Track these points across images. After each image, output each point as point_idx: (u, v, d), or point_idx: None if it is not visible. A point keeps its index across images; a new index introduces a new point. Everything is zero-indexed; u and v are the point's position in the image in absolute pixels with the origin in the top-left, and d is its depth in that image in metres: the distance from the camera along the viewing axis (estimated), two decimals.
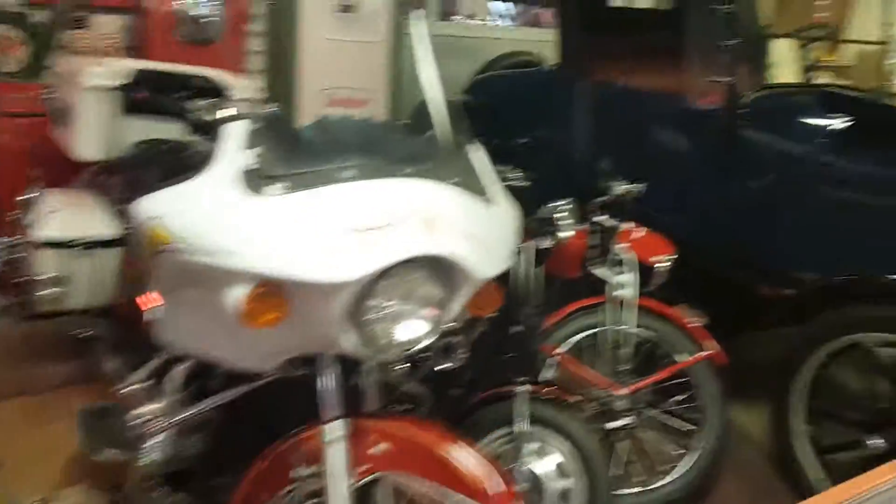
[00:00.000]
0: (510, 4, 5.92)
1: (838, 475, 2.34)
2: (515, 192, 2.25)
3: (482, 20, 6.00)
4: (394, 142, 1.58)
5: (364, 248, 1.30)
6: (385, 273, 1.33)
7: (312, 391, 1.50)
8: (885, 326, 2.17)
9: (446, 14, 5.62)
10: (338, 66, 3.18)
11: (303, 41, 3.14)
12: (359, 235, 1.30)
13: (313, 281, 1.28)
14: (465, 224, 1.43)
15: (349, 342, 1.39)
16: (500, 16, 6.09)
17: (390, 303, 1.38)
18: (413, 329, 1.42)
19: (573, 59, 3.42)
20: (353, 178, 1.37)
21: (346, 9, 3.15)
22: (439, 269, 1.40)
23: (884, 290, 2.23)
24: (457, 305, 1.48)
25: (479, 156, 1.80)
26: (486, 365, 2.09)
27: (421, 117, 1.62)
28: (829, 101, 2.77)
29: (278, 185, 1.34)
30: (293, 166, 1.38)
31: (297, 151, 1.46)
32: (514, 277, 2.19)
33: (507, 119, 3.75)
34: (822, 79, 5.85)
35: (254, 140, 1.39)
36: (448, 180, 1.50)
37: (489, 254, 1.51)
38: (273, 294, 1.33)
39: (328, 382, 1.49)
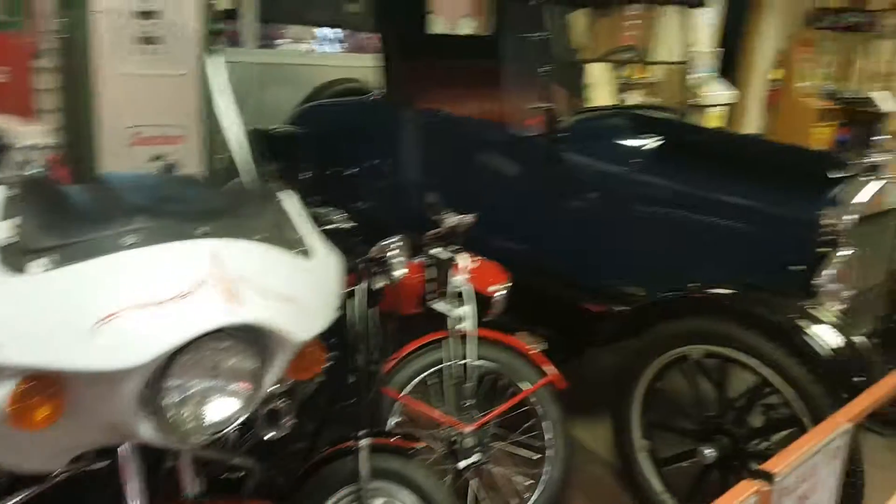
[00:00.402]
0: (338, 30, 5.83)
1: (676, 487, 2.41)
2: (341, 235, 2.16)
3: (308, 46, 5.88)
4: (188, 197, 1.42)
5: (153, 326, 1.13)
6: (182, 349, 1.17)
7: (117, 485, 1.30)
8: (709, 338, 2.26)
9: (271, 39, 5.44)
10: (143, 103, 2.92)
11: (100, 76, 2.86)
12: (145, 311, 1.14)
13: (91, 370, 1.10)
14: (275, 284, 1.30)
15: (148, 431, 1.21)
16: (329, 41, 5.99)
17: (193, 381, 1.22)
18: (223, 407, 1.26)
19: (397, 87, 3.38)
20: (136, 244, 1.20)
21: (148, 41, 2.91)
22: (249, 337, 1.26)
23: (705, 304, 2.32)
24: (274, 374, 1.34)
25: (291, 204, 1.67)
26: (323, 421, 1.96)
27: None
28: (640, 123, 2.90)
29: (43, 260, 1.15)
30: (62, 236, 1.19)
31: (67, 217, 1.26)
32: (347, 324, 2.08)
33: (333, 150, 3.64)
34: (635, 97, 6.27)
35: (11, 209, 1.18)
36: (253, 236, 1.36)
37: (306, 313, 1.39)
38: (46, 388, 1.13)
39: (131, 475, 1.30)
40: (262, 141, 3.75)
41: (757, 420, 2.33)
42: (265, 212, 1.53)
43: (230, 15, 4.66)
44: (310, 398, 1.81)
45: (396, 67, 3.34)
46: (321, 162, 3.60)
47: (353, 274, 2.14)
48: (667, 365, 2.41)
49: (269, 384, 1.34)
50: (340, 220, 2.18)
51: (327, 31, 5.90)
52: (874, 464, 2.96)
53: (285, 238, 1.48)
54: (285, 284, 1.35)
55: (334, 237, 2.14)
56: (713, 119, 7.60)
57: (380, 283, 2.22)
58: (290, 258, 1.45)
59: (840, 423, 1.38)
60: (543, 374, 2.35)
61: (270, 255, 1.37)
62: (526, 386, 2.33)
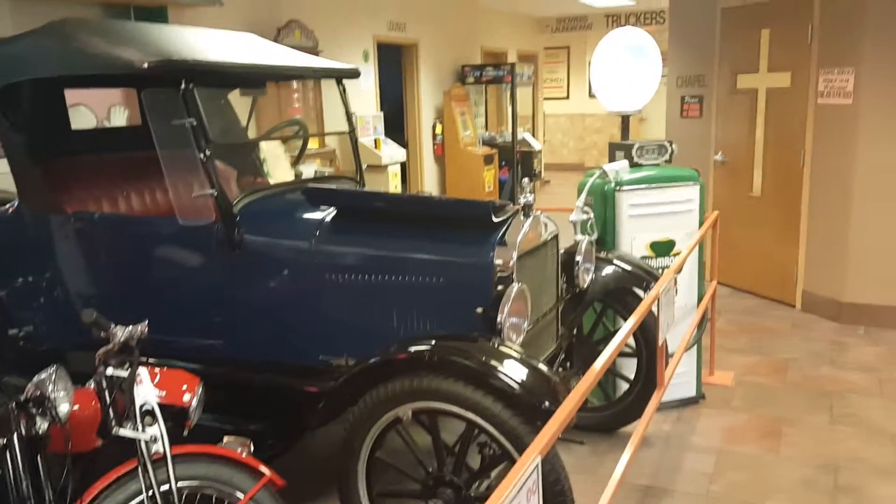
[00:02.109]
0: None
1: None
2: None
3: None
4: None
5: None
6: None
7: None
8: (415, 395, 2.30)
9: None
10: None
11: None
12: None
13: None
14: None
15: None
16: None
17: None
18: None
19: (35, 193, 2.97)
20: None
21: None
22: None
23: (405, 363, 2.36)
24: None
25: None
26: None
27: None
28: (316, 195, 2.91)
29: None
30: None
31: None
32: (7, 485, 1.73)
33: None
34: (311, 167, 6.39)
35: None
36: None
37: None
38: None
39: None
40: None
41: (475, 462, 2.42)
42: None
43: None
44: None
45: (28, 171, 2.95)
46: None
47: (3, 424, 1.80)
48: (383, 431, 2.42)
49: None
50: None
51: None
52: (582, 471, 3.28)
53: None
54: None
55: None
56: (391, 177, 8.05)
57: (43, 426, 1.90)
58: None
59: (531, 457, 1.46)
60: (259, 476, 2.19)
61: None
62: (240, 496, 2.14)
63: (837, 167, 5.16)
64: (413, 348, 2.36)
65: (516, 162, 10.59)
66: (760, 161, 5.86)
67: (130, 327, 2.11)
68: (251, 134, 4.19)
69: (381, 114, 8.44)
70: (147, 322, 2.11)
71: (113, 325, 2.08)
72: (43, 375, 1.92)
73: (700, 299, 3.91)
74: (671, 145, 3.93)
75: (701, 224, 3.84)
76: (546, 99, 14.24)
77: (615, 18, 12.37)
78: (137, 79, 2.93)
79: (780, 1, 5.50)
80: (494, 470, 2.40)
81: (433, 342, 2.38)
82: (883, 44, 4.81)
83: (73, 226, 2.92)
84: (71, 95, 3.60)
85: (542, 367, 2.31)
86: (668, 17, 7.01)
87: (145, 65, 2.50)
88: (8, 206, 3.05)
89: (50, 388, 1.90)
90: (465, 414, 2.24)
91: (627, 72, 4.19)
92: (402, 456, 2.52)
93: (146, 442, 2.08)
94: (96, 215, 3.02)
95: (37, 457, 1.88)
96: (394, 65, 9.38)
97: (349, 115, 3.57)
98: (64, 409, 1.91)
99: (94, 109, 5.09)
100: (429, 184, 9.78)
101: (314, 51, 6.98)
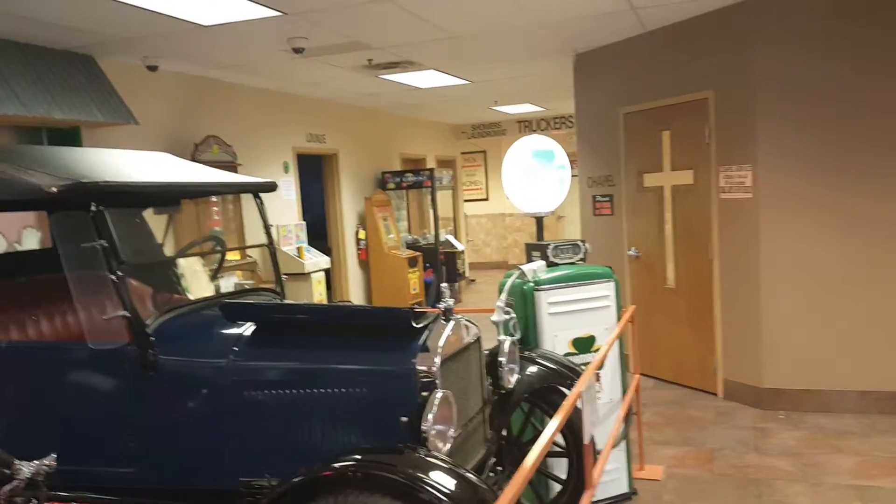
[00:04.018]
0: None
1: None
2: None
3: None
4: None
5: None
6: None
7: None
8: None
9: None
10: None
11: None
12: None
13: None
14: None
15: None
16: None
17: None
18: None
19: None
20: None
21: None
22: None
23: (329, 480, 2.29)
24: None
25: None
26: None
27: None
28: (234, 309, 2.87)
29: None
30: None
31: None
32: None
33: None
34: (231, 280, 6.32)
35: None
36: None
37: None
38: None
39: None
40: None
41: None
42: None
43: None
44: None
45: None
46: None
47: None
48: None
49: None
50: None
51: None
52: None
53: None
54: None
55: None
56: (315, 285, 8.01)
57: None
58: None
59: None
60: None
61: None
62: None
63: (744, 257, 5.46)
64: (337, 464, 2.30)
65: (440, 263, 10.74)
66: (672, 254, 6.15)
67: (37, 462, 1.99)
68: (169, 249, 4.13)
69: (304, 223, 8.49)
70: (55, 455, 1.99)
71: (17, 462, 1.96)
72: None
73: (624, 393, 3.99)
74: (584, 244, 4.09)
75: (619, 319, 3.96)
76: (466, 201, 14.67)
77: (527, 124, 13.02)
78: (47, 202, 2.89)
79: (676, 105, 5.94)
80: None
81: (358, 456, 2.32)
82: (774, 142, 5.22)
83: None
84: None
85: (471, 475, 2.28)
86: (574, 122, 7.44)
87: (53, 189, 2.48)
88: None
89: None
90: None
91: (537, 176, 4.40)
92: None
93: None
94: (2, 344, 2.88)
95: None
96: (315, 173, 9.54)
97: (267, 228, 3.59)
98: None
99: (4, 232, 4.94)
100: (354, 289, 9.77)
101: (233, 165, 7.04)
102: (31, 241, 5.21)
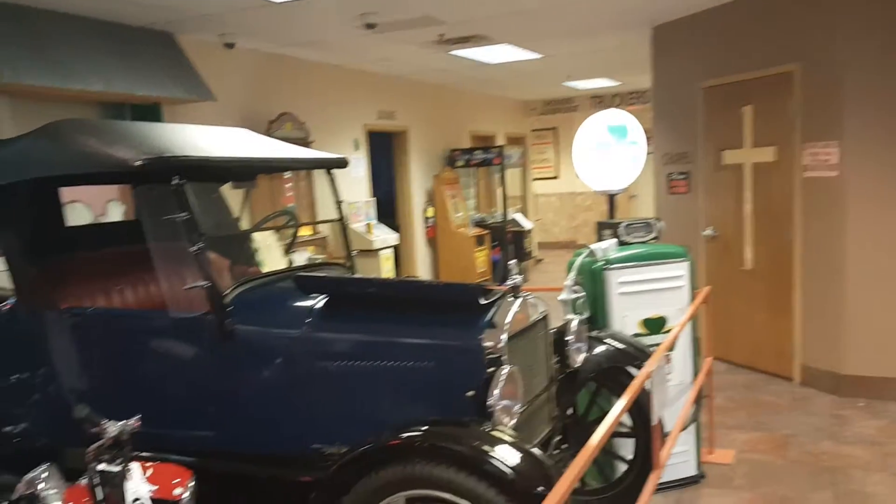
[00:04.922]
0: None
1: None
2: None
3: None
4: None
5: None
6: None
7: None
8: (407, 484, 2.28)
9: None
10: None
11: None
12: None
13: None
14: None
15: None
16: None
17: None
18: None
19: (30, 291, 3.01)
20: None
21: None
22: None
23: (396, 450, 2.34)
24: None
25: None
26: None
27: None
28: (306, 283, 2.94)
29: None
30: None
31: None
32: None
33: None
34: (304, 255, 6.46)
35: None
36: None
37: None
38: None
39: None
40: None
41: None
42: None
43: None
44: None
45: (24, 269, 2.99)
46: None
47: None
48: None
49: None
50: None
51: None
52: None
53: None
54: None
55: None
56: (383, 261, 8.12)
57: None
58: None
59: None
60: None
61: None
62: None
63: (828, 238, 5.24)
64: (405, 434, 2.34)
65: (508, 242, 10.70)
66: (751, 235, 5.95)
67: (122, 422, 2.11)
68: (245, 224, 4.26)
69: (374, 199, 8.59)
70: (139, 416, 2.10)
71: (105, 421, 2.08)
72: (34, 474, 1.91)
73: (695, 376, 3.90)
74: (658, 223, 4.00)
75: (692, 300, 3.87)
76: (536, 179, 14.53)
77: (600, 99, 12.76)
78: (131, 176, 3.01)
79: (760, 78, 5.70)
80: None
81: (425, 428, 2.36)
82: (862, 117, 4.97)
83: (67, 321, 2.94)
84: (68, 192, 3.69)
85: (535, 450, 2.29)
86: (651, 97, 7.25)
87: (138, 162, 2.58)
88: (4, 303, 3.08)
89: (41, 486, 1.89)
90: (459, 501, 2.20)
91: (610, 152, 4.32)
92: None
93: None
94: (88, 310, 3.03)
95: None
96: (385, 151, 9.62)
97: (338, 204, 3.65)
98: None
99: (90, 205, 5.18)
100: (421, 266, 9.86)
101: (305, 141, 7.17)
102: (116, 213, 5.45)
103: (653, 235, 3.97)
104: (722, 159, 6.14)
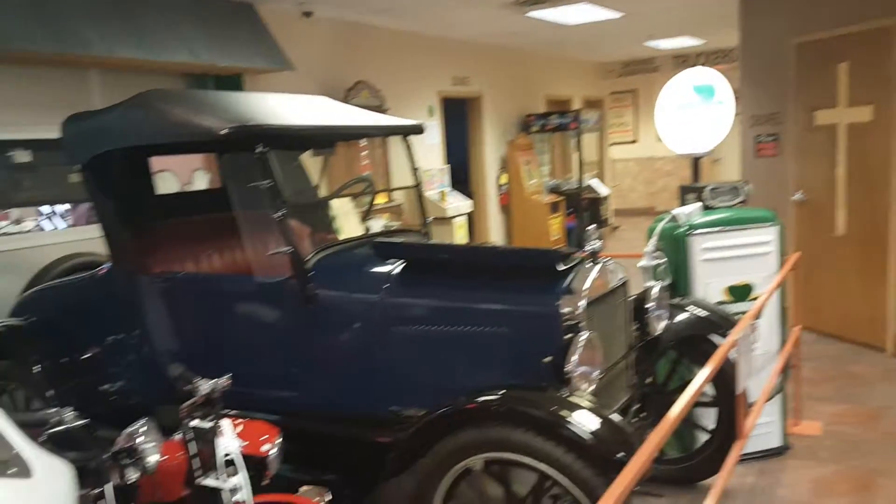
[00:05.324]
0: (60, 205, 5.40)
1: None
2: (75, 434, 1.91)
3: (33, 224, 5.38)
4: None
5: None
6: None
7: None
8: (485, 446, 2.30)
9: None
10: None
11: None
12: None
13: None
14: None
15: None
16: (57, 216, 5.53)
17: None
18: None
19: (124, 256, 3.16)
20: None
21: None
22: None
23: (474, 413, 2.36)
24: None
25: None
26: None
27: None
28: (384, 248, 2.98)
29: None
30: None
31: None
32: None
33: (66, 335, 3.30)
34: (380, 222, 6.54)
35: None
36: None
37: None
38: None
39: None
40: None
41: None
42: None
43: None
44: None
45: (118, 235, 3.14)
46: (55, 350, 3.26)
47: (97, 475, 1.90)
48: (455, 482, 2.41)
49: None
50: (71, 419, 1.92)
51: (46, 208, 5.45)
52: None
53: None
54: None
55: (70, 439, 1.90)
56: (457, 229, 8.13)
57: (133, 476, 1.99)
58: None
59: None
60: None
61: None
62: None
63: None
64: (482, 398, 2.36)
65: (583, 209, 10.53)
66: (843, 199, 5.66)
67: (214, 381, 2.20)
68: (322, 192, 4.34)
69: (447, 167, 8.59)
70: (229, 375, 2.19)
71: (197, 379, 2.17)
72: (133, 427, 2.01)
73: (782, 345, 3.77)
74: (745, 186, 3.85)
75: (780, 267, 3.73)
76: (613, 144, 14.19)
77: (683, 59, 12.29)
78: (217, 144, 3.10)
79: (857, 34, 5.37)
80: None
81: (501, 392, 2.37)
82: None
83: (159, 285, 3.08)
84: (157, 161, 3.83)
85: (615, 416, 2.27)
86: (738, 55, 6.93)
87: (223, 131, 2.65)
88: (100, 268, 3.25)
89: (140, 439, 1.99)
90: (536, 465, 2.22)
91: (696, 113, 4.16)
92: None
93: (229, 491, 2.14)
94: (179, 275, 3.17)
95: None
96: (458, 118, 9.57)
97: (415, 170, 3.66)
98: (153, 459, 1.99)
99: (178, 174, 5.39)
100: (494, 234, 9.83)
101: (381, 109, 7.21)
102: (202, 182, 5.65)
103: (739, 199, 3.83)
104: (814, 120, 5.84)
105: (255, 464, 2.26)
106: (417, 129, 3.59)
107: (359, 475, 2.76)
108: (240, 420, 2.34)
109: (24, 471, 1.33)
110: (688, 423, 3.51)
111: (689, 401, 2.10)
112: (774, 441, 3.82)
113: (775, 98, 6.23)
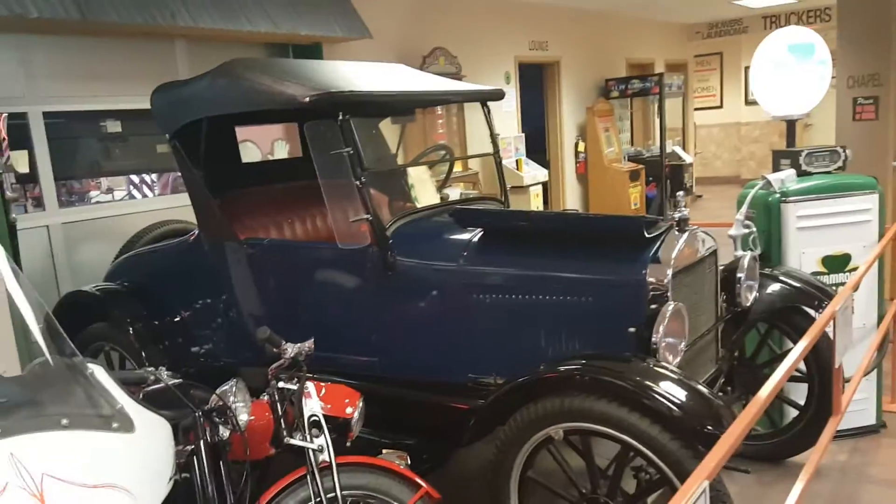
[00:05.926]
0: (148, 175, 5.61)
1: None
2: (171, 392, 1.99)
3: (124, 193, 5.62)
4: None
5: None
6: None
7: None
8: (566, 416, 2.27)
9: (80, 195, 5.14)
10: None
11: None
12: None
13: None
14: (88, 475, 1.15)
15: None
16: (147, 185, 5.76)
17: None
18: None
19: (212, 222, 3.25)
20: None
21: None
22: None
23: (556, 382, 2.34)
24: None
25: (99, 375, 1.51)
26: None
27: None
28: (463, 216, 2.96)
29: None
30: None
31: None
32: (195, 487, 1.90)
33: (158, 299, 3.44)
34: (457, 190, 6.52)
35: None
36: (59, 424, 1.22)
37: (131, 496, 1.24)
38: None
39: None
40: (80, 304, 3.51)
41: (630, 486, 2.34)
42: (73, 391, 1.38)
43: (28, 178, 4.42)
44: None
45: (206, 203, 3.22)
46: (147, 313, 3.40)
47: (191, 431, 1.98)
48: (534, 450, 2.40)
49: None
50: (167, 378, 2.00)
51: (135, 178, 5.67)
52: (746, 502, 3.08)
53: (100, 415, 1.34)
54: (102, 471, 1.20)
55: (164, 397, 1.98)
56: (534, 197, 8.03)
57: (225, 433, 2.07)
58: (104, 439, 1.31)
59: (697, 482, 1.39)
60: (416, 488, 2.25)
61: (81, 442, 1.23)
62: None
63: None
64: (563, 368, 2.33)
65: (665, 177, 10.22)
66: None
67: (299, 344, 2.25)
68: (400, 160, 4.34)
69: (523, 135, 8.47)
70: (314, 339, 2.23)
71: (284, 342, 2.23)
72: (225, 387, 2.09)
73: (880, 319, 3.58)
74: (845, 151, 3.64)
75: (881, 236, 3.52)
76: (697, 109, 13.67)
77: (774, 19, 11.68)
78: (299, 112, 3.13)
79: None
80: (651, 496, 2.31)
81: (583, 362, 2.33)
82: None
83: (246, 252, 3.16)
84: (239, 132, 3.92)
85: (703, 388, 2.20)
86: (835, 14, 6.53)
87: (307, 99, 2.67)
88: (189, 235, 3.36)
89: (231, 398, 2.07)
90: (619, 436, 2.18)
91: (792, 73, 3.95)
92: (555, 476, 2.48)
93: (314, 451, 2.20)
94: (266, 242, 3.24)
95: (219, 462, 2.04)
96: (535, 84, 9.40)
97: (493, 137, 3.61)
98: (243, 418, 2.06)
99: (259, 144, 5.50)
100: (571, 203, 9.66)
101: (458, 76, 7.14)
102: (281, 152, 5.75)
103: (837, 165, 3.62)
104: None
105: (337, 426, 2.31)
106: (498, 95, 3.53)
107: (437, 440, 2.79)
108: (323, 383, 2.39)
109: (127, 425, 1.39)
110: (777, 399, 3.39)
111: (783, 375, 2.01)
112: (869, 419, 3.65)
113: (876, 58, 5.85)
